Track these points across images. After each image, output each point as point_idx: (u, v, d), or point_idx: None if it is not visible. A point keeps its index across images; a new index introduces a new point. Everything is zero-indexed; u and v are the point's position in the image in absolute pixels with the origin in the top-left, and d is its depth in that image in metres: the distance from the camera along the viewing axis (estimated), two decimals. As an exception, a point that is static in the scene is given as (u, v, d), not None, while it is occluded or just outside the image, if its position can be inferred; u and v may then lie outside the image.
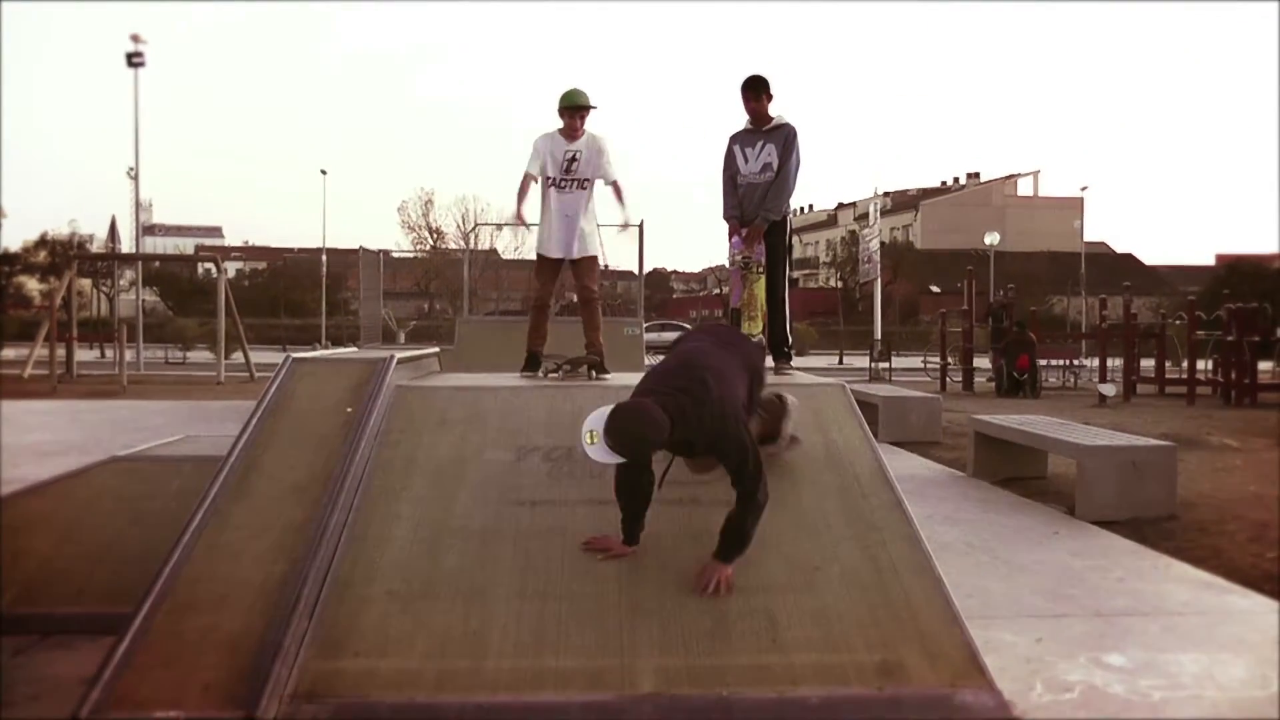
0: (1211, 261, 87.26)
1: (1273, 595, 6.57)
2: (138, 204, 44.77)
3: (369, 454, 6.04)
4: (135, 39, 39.58)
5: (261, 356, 31.65)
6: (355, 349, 16.10)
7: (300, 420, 6.34)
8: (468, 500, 5.72)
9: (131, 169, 44.81)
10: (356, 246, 23.10)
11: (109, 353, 37.34)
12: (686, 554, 5.26)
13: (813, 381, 7.30)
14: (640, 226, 18.13)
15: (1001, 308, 26.72)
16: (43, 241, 74.82)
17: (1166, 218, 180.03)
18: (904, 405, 14.90)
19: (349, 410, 6.37)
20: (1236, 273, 62.44)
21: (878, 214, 39.81)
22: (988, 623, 5.67)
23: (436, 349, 10.00)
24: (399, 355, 7.29)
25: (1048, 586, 6.73)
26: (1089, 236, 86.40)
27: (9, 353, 36.27)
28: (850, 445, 6.20)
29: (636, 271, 20.01)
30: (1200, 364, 24.32)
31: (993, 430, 11.03)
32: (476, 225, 68.86)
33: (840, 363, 45.84)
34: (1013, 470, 10.99)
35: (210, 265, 46.06)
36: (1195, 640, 5.69)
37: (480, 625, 4.78)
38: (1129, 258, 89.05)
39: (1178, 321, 27.03)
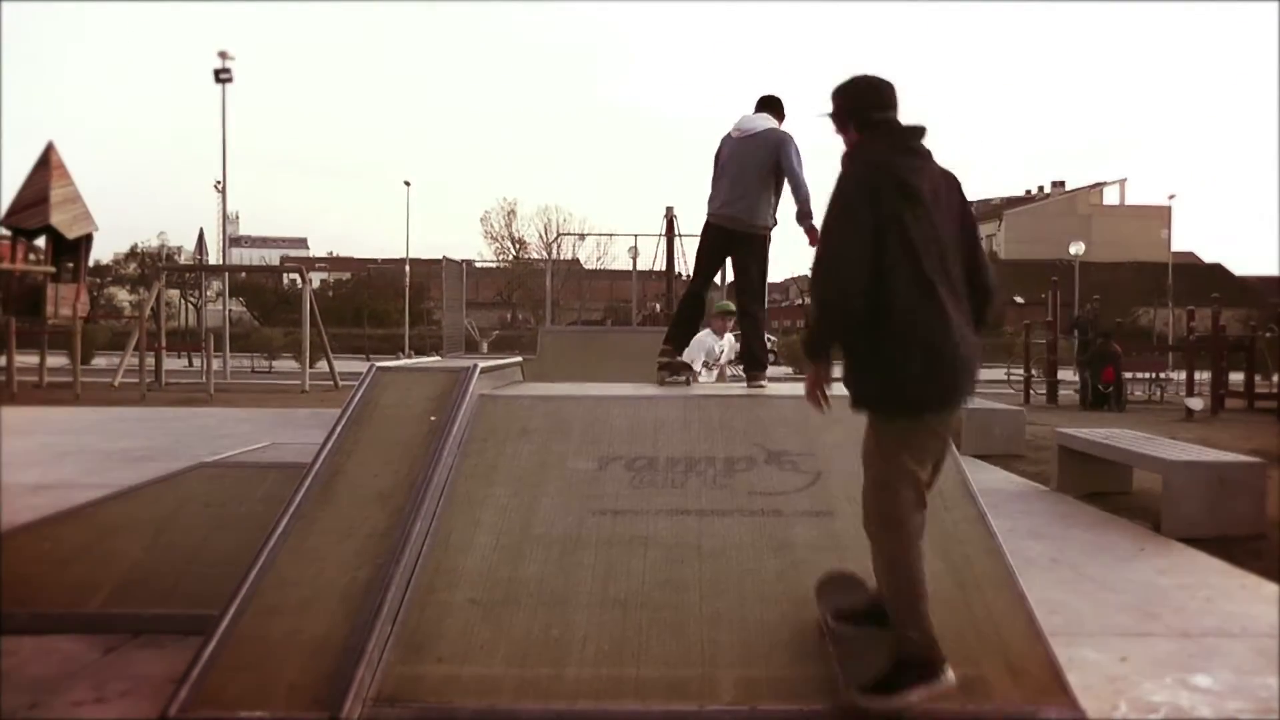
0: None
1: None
2: (225, 216, 45.66)
3: (452, 462, 6.10)
4: (223, 55, 40.17)
5: (345, 365, 31.99)
6: (438, 358, 16.21)
7: (384, 428, 6.40)
8: (549, 508, 5.76)
9: (219, 182, 45.63)
10: (440, 257, 23.25)
11: (196, 362, 37.78)
12: (769, 565, 5.25)
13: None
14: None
15: (1086, 320, 26.46)
16: (133, 253, 76.21)
17: (1257, 227, 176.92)
18: (987, 418, 14.74)
19: (432, 419, 6.43)
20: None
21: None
22: (1071, 640, 5.60)
23: (519, 358, 10.07)
24: (482, 364, 7.34)
25: (1133, 604, 6.64)
26: (1177, 246, 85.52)
27: (100, 361, 36.90)
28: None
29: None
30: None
31: (1077, 444, 10.90)
32: (559, 235, 69.09)
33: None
34: (1097, 485, 10.84)
35: (295, 276, 46.51)
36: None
37: (561, 633, 4.81)
38: (1217, 268, 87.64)
39: (1268, 334, 26.58)
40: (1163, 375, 28.28)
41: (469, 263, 27.09)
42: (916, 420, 4.44)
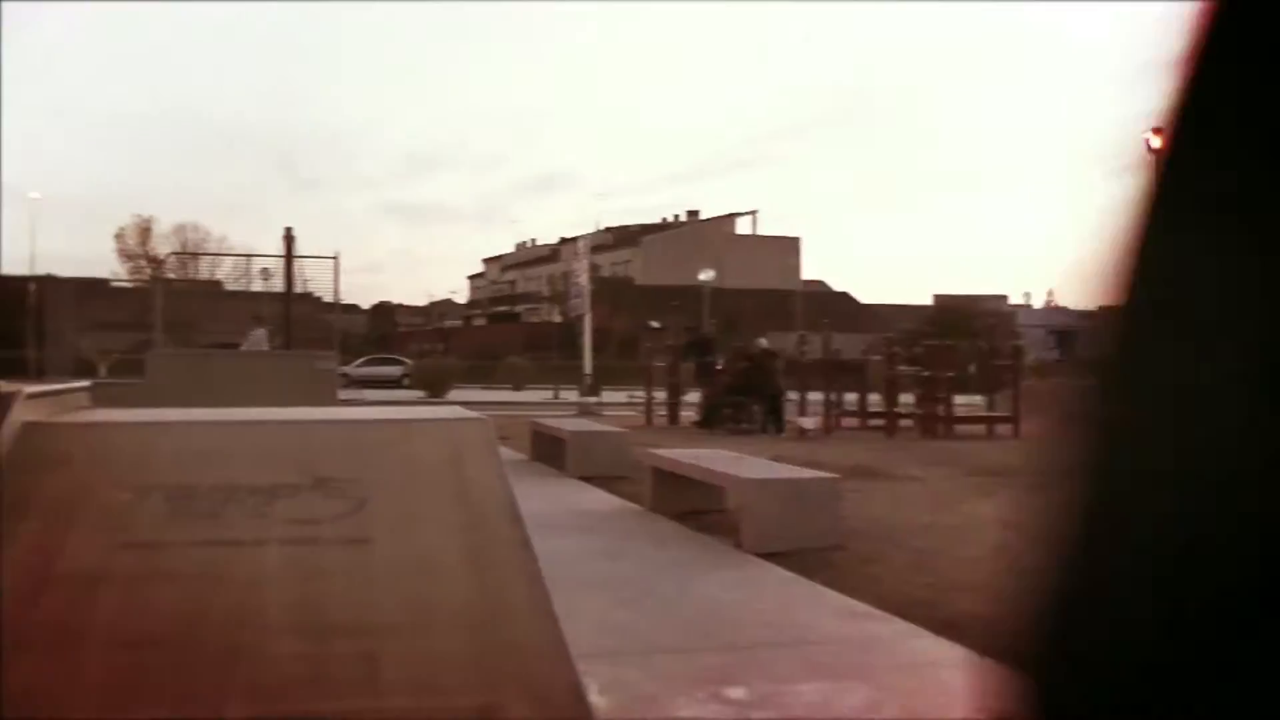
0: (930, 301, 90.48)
1: (916, 621, 6.73)
2: None
3: (-22, 497, 5.73)
4: None
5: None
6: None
7: (-95, 461, 5.98)
8: (77, 543, 5.46)
9: None
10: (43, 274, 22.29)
11: None
12: (295, 595, 5.12)
13: (453, 416, 7.22)
14: (336, 258, 17.92)
15: (700, 343, 27.20)
16: None
17: (890, 260, 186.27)
18: (590, 440, 14.95)
19: (-38, 450, 6.04)
20: (947, 311, 64.94)
21: (587, 247, 40.32)
22: (617, 660, 5.66)
23: (88, 383, 9.62)
24: (30, 390, 6.95)
25: (691, 620, 6.78)
26: (809, 275, 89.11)
27: None
28: (484, 482, 6.12)
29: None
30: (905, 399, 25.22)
31: (666, 464, 11.13)
32: (171, 254, 67.21)
33: (556, 397, 46.09)
34: (691, 504, 11.04)
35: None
36: (825, 669, 5.78)
37: (70, 676, 4.56)
38: (844, 296, 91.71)
39: (877, 357, 27.89)
40: (784, 397, 29.27)
41: (104, 282, 25.99)
42: None
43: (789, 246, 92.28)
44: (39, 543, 5.49)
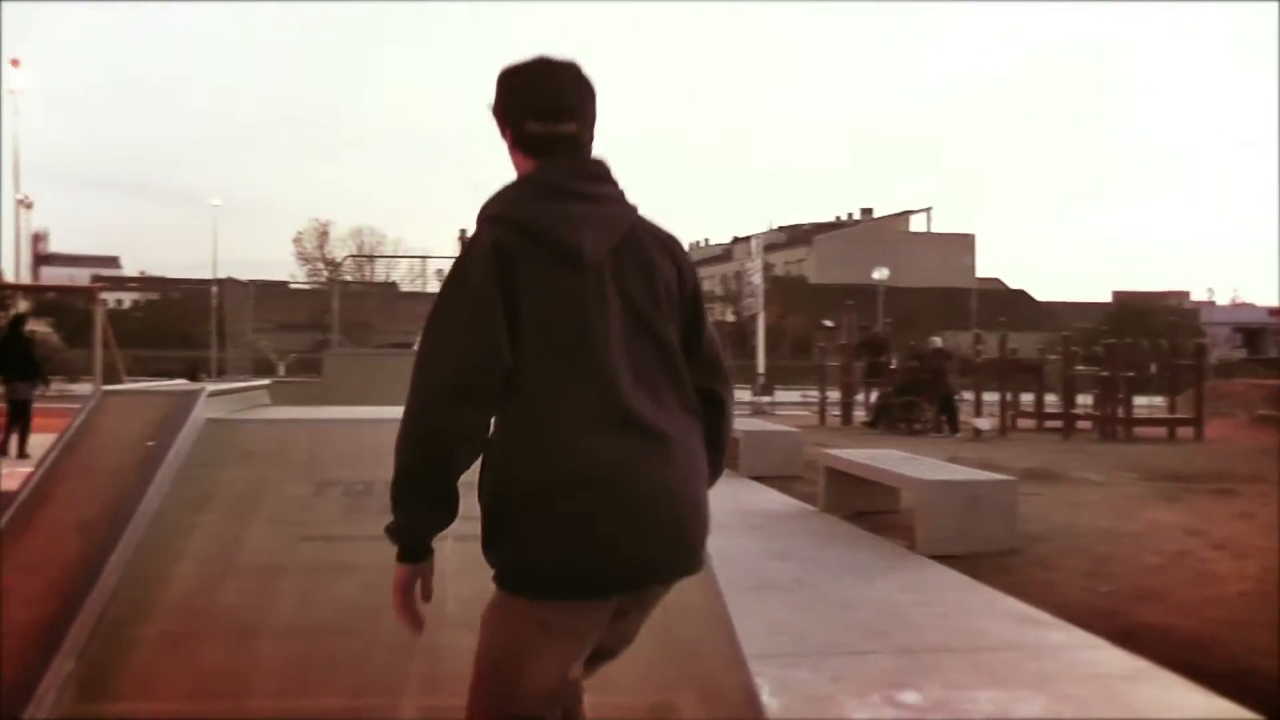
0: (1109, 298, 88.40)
1: (1095, 630, 6.56)
2: (17, 233, 44.17)
3: (164, 488, 5.88)
4: (15, 64, 39.22)
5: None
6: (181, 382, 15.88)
7: (98, 454, 6.16)
8: (257, 536, 5.59)
9: (25, 197, 44.33)
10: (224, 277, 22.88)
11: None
12: (468, 589, 5.15)
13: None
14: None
15: (873, 343, 26.93)
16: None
17: (1064, 255, 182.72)
18: (763, 439, 14.90)
19: (149, 444, 6.21)
20: (1127, 309, 63.44)
21: (760, 246, 40.13)
22: (789, 661, 5.64)
23: (267, 382, 9.85)
24: (213, 388, 7.14)
25: (864, 622, 6.70)
26: (984, 273, 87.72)
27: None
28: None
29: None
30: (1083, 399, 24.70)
31: (840, 464, 11.04)
32: (348, 256, 68.52)
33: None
34: (864, 505, 10.96)
35: (116, 296, 45.37)
36: (999, 676, 5.67)
37: (248, 665, 4.65)
38: (1021, 294, 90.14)
39: (1054, 357, 27.28)
40: (959, 397, 28.83)
41: (278, 283, 26.65)
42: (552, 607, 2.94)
43: (964, 244, 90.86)
44: (221, 534, 5.64)
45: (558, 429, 2.83)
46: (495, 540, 3.03)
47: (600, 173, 3.05)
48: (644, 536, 2.86)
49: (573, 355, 2.85)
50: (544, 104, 3.00)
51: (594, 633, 3.01)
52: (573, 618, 2.93)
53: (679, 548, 3.00)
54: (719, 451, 3.26)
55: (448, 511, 3.07)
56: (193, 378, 27.31)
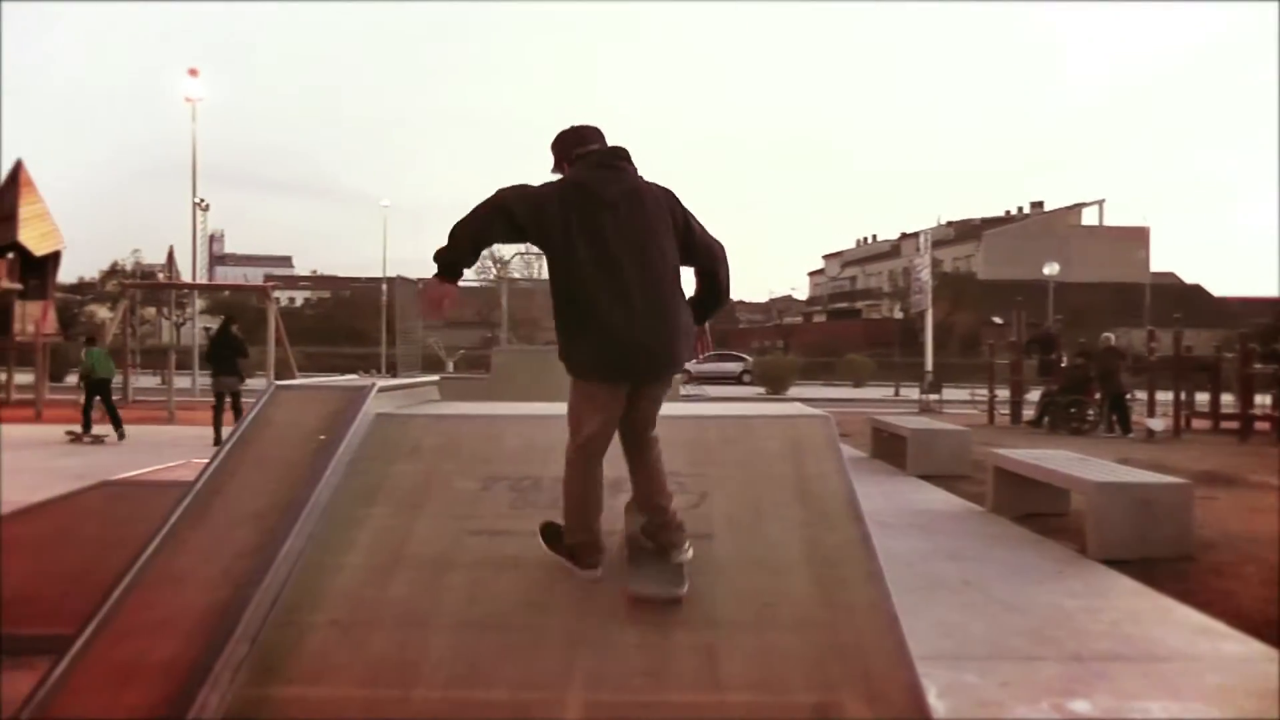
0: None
1: (1275, 643, 6.34)
2: (194, 234, 45.33)
3: (335, 481, 5.99)
4: (193, 73, 40.28)
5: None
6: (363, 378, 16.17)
7: (271, 447, 6.31)
8: (426, 529, 5.66)
9: (201, 200, 45.60)
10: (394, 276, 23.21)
11: (180, 381, 37.60)
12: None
13: (795, 412, 7.17)
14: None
15: (1041, 339, 26.42)
16: (113, 271, 75.78)
17: (1243, 249, 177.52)
18: (931, 438, 14.74)
19: (321, 437, 6.33)
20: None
21: (928, 242, 39.64)
22: (957, 664, 5.56)
23: (436, 378, 9.96)
24: (383, 383, 7.26)
25: (1033, 627, 6.56)
26: (1158, 267, 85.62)
27: (73, 378, 36.77)
28: (825, 478, 6.06)
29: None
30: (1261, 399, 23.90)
31: (1009, 465, 10.84)
32: (515, 254, 68.98)
33: (896, 394, 45.62)
34: (1033, 506, 10.76)
35: (288, 294, 46.38)
36: (1173, 688, 5.51)
37: (416, 655, 4.71)
38: (1197, 289, 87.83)
39: (1232, 355, 26.45)
40: (1131, 396, 28.16)
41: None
42: (590, 385, 5.10)
43: (1137, 237, 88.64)
44: (390, 526, 5.73)
45: (590, 300, 4.95)
46: (566, 355, 5.08)
47: (619, 153, 5.33)
48: (632, 355, 4.96)
49: (601, 252, 4.97)
50: (581, 140, 5.39)
51: (616, 405, 5.10)
52: (602, 394, 5.04)
53: (651, 363, 5.06)
54: (716, 293, 5.44)
55: (472, 259, 5.20)
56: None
